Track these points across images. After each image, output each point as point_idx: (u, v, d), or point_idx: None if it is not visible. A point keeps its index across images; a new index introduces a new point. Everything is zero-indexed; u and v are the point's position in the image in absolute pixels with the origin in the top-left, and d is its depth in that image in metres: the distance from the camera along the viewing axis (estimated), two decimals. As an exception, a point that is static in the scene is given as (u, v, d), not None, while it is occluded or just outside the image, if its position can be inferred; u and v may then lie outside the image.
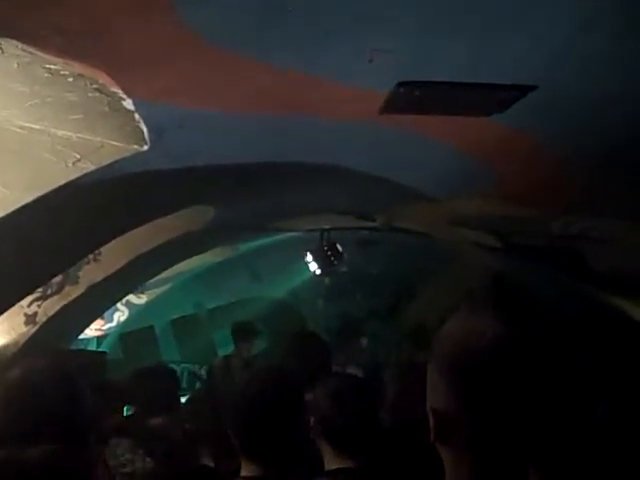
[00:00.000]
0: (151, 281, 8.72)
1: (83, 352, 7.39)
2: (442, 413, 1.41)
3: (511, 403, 1.37)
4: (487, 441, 1.38)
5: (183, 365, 9.04)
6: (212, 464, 3.44)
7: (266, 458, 2.44)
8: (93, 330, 8.98)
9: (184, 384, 8.13)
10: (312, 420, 2.75)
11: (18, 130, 3.58)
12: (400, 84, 3.17)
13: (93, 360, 6.73)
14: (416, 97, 3.31)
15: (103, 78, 2.83)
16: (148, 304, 9.70)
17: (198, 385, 8.69)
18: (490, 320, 1.44)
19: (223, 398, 3.99)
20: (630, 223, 5.18)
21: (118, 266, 6.47)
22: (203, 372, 8.88)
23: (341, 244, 8.64)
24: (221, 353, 9.92)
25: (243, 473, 2.45)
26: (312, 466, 2.74)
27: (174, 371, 4.80)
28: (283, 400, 2.50)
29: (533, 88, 3.23)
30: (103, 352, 8.37)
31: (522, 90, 3.26)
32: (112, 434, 3.65)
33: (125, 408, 5.38)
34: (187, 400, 4.56)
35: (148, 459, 3.17)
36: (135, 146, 3.65)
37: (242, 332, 7.84)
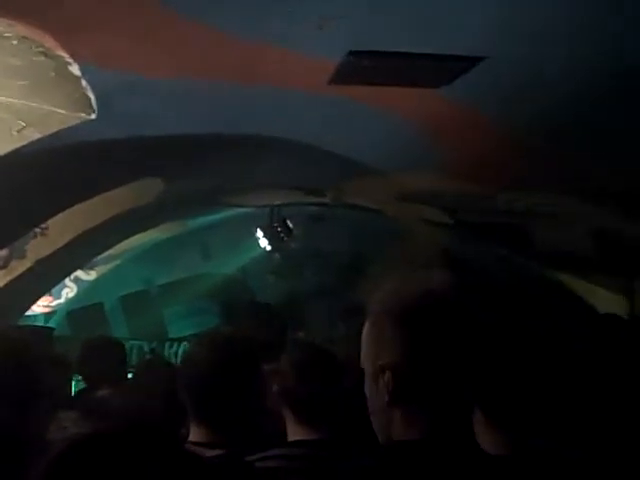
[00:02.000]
0: (100, 257, 8.62)
1: (29, 328, 7.26)
2: (397, 367, 1.44)
3: (458, 355, 1.42)
4: (437, 391, 1.43)
5: (132, 342, 8.96)
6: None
7: (215, 424, 2.43)
8: (41, 307, 8.86)
9: (133, 361, 8.06)
10: (275, 389, 2.74)
11: (-40, 96, 3.51)
12: (349, 53, 3.17)
13: (40, 336, 6.62)
14: (365, 67, 3.31)
15: (48, 41, 2.78)
16: (97, 280, 9.58)
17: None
18: (437, 278, 1.49)
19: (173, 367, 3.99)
20: (575, 199, 5.28)
21: (66, 240, 6.37)
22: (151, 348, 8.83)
23: (291, 220, 8.65)
24: (171, 330, 9.88)
25: (192, 438, 2.45)
26: (272, 436, 2.73)
27: (122, 344, 4.77)
28: (235, 366, 2.48)
29: (482, 59, 3.25)
30: (50, 328, 8.26)
31: (471, 61, 3.28)
32: (60, 407, 3.61)
33: (74, 382, 5.33)
34: (133, 372, 4.53)
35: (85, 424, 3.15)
36: (82, 114, 3.60)
37: None
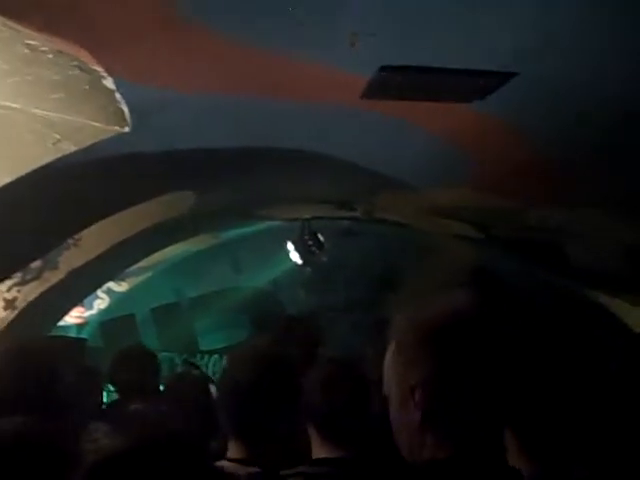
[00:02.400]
0: (132, 268, 8.67)
1: (62, 338, 7.33)
2: (428, 386, 1.43)
3: (487, 374, 1.41)
4: (467, 410, 1.41)
5: (163, 354, 9.00)
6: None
7: (253, 441, 2.42)
8: (73, 317, 8.92)
9: (163, 373, 8.08)
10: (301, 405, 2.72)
11: (-2, 109, 3.56)
12: (382, 69, 3.18)
13: (72, 346, 6.69)
14: (398, 82, 3.32)
15: (83, 55, 2.81)
16: (129, 292, 9.64)
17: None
18: (464, 297, 1.48)
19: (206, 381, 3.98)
20: (608, 215, 5.22)
21: (98, 252, 6.42)
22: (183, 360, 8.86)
23: (322, 234, 8.64)
24: (202, 342, 9.90)
25: (230, 455, 2.44)
26: (300, 454, 2.71)
27: (155, 355, 4.77)
28: (275, 384, 2.47)
29: (514, 75, 3.24)
30: (82, 339, 8.33)
31: (504, 77, 3.27)
32: (91, 418, 3.64)
33: (106, 393, 5.36)
34: (165, 384, 4.55)
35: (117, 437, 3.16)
36: (116, 127, 3.63)
37: None
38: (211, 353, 9.86)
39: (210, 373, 9.32)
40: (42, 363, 2.53)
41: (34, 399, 2.38)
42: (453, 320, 1.44)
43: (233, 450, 2.43)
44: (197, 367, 8.32)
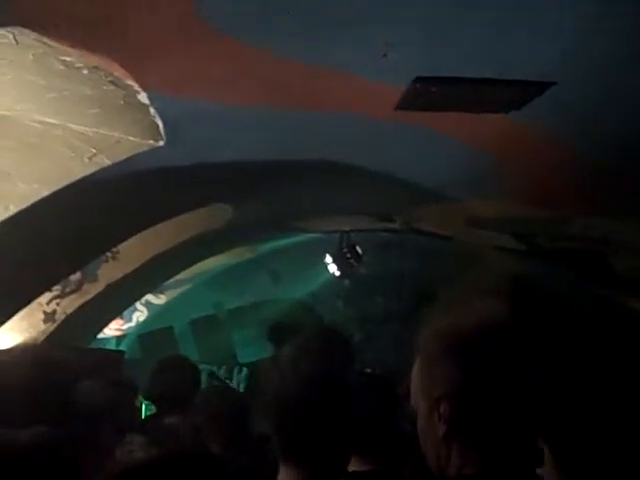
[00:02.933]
0: (170, 281, 8.73)
1: (100, 350, 7.39)
2: (453, 398, 1.40)
3: (516, 387, 1.37)
4: (493, 424, 1.38)
5: (202, 366, 9.02)
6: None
7: (305, 463, 2.37)
8: (112, 330, 9.00)
9: (203, 385, 8.10)
10: None
11: (36, 125, 3.60)
12: (417, 79, 3.15)
13: (110, 359, 6.72)
14: (433, 93, 3.28)
15: (117, 70, 2.83)
16: (167, 304, 9.70)
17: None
18: (493, 308, 1.45)
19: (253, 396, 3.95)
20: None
21: (137, 265, 6.48)
22: (221, 373, 8.88)
23: (360, 246, 8.61)
24: (240, 354, 9.91)
25: (281, 477, 2.38)
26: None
27: (196, 367, 4.73)
28: (331, 403, 2.43)
29: (552, 84, 3.19)
30: (121, 351, 8.39)
31: (540, 86, 3.22)
32: (127, 431, 3.64)
33: (145, 405, 5.37)
34: (198, 396, 4.52)
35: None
36: (151, 141, 3.66)
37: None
38: (250, 365, 9.86)
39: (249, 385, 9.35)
40: (65, 375, 2.54)
41: (56, 411, 2.39)
42: (478, 331, 1.41)
43: (284, 475, 2.38)
44: (219, 379, 8.33)
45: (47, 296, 5.98)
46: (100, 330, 7.84)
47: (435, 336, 1.47)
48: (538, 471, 1.54)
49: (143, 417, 5.17)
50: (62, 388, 2.45)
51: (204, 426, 3.52)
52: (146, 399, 4.84)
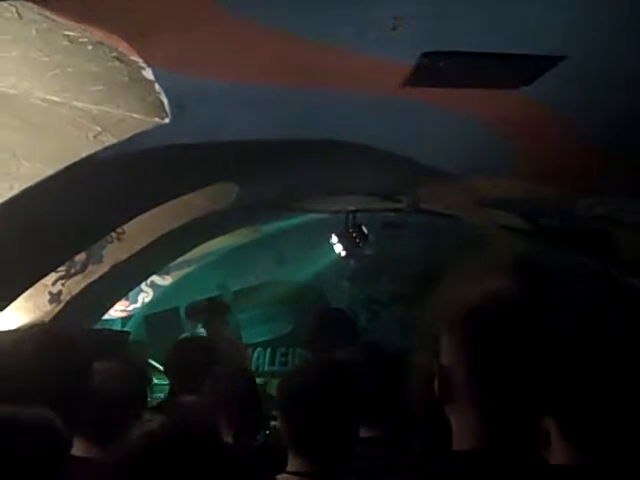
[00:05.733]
0: (175, 262, 8.71)
1: (105, 331, 7.38)
2: (450, 369, 1.39)
3: (520, 362, 1.35)
4: (496, 399, 1.36)
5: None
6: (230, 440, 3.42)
7: (316, 456, 2.37)
8: (118, 311, 9.00)
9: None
10: None
11: (40, 102, 3.57)
12: (424, 55, 3.10)
13: (115, 339, 6.71)
14: (441, 68, 3.24)
15: (122, 45, 2.79)
16: (173, 285, 9.69)
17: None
18: (506, 282, 1.42)
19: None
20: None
21: (142, 245, 6.46)
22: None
23: (366, 226, 8.58)
24: (245, 335, 9.92)
25: (290, 468, 2.39)
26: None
27: (214, 347, 4.70)
28: (343, 397, 2.44)
29: (562, 59, 3.14)
30: (126, 332, 8.38)
31: (551, 60, 3.17)
32: (145, 412, 3.62)
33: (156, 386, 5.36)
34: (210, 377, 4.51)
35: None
36: (156, 119, 3.62)
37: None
38: (255, 346, 9.86)
39: (254, 366, 9.35)
40: (76, 353, 2.51)
41: (75, 392, 2.37)
42: (481, 305, 1.39)
43: (293, 464, 2.38)
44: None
45: (52, 277, 5.96)
46: (106, 311, 7.83)
47: (442, 308, 1.45)
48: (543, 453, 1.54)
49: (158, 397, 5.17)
50: (79, 369, 2.42)
51: (217, 407, 3.50)
52: (163, 378, 4.83)
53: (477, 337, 1.38)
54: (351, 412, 2.42)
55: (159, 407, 4.06)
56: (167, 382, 4.64)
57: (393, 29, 2.76)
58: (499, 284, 1.43)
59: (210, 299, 7.96)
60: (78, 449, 2.37)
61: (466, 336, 1.39)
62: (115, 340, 6.59)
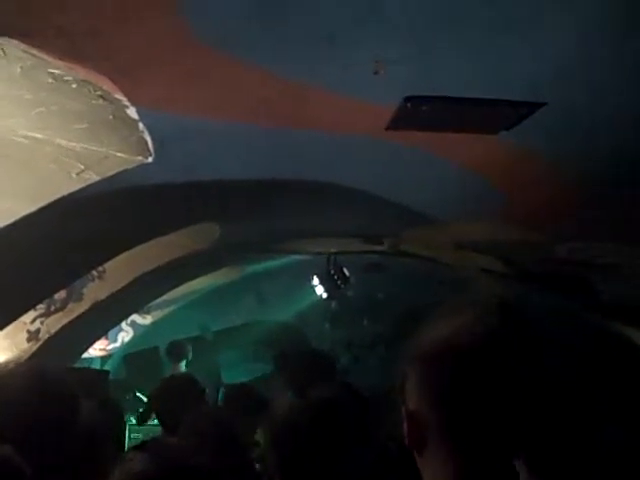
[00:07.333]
0: (156, 301, 8.68)
1: (85, 370, 7.32)
2: (417, 414, 1.37)
3: (487, 404, 1.33)
4: (466, 440, 1.34)
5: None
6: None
7: None
8: (97, 350, 8.93)
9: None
10: None
11: (23, 140, 3.56)
12: (407, 99, 3.14)
13: (95, 378, 6.65)
14: (424, 112, 3.27)
15: (106, 84, 2.81)
16: (153, 325, 9.65)
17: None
18: (476, 319, 1.41)
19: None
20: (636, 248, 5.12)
21: (123, 284, 6.43)
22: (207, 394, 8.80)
23: (348, 268, 8.60)
24: (225, 375, 9.86)
25: None
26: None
27: (202, 387, 4.68)
28: (335, 437, 2.43)
29: (542, 105, 3.19)
30: (106, 371, 8.31)
31: (531, 107, 3.22)
32: (129, 449, 3.58)
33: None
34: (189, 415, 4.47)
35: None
36: (139, 157, 3.63)
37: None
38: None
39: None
40: (65, 390, 2.49)
41: (59, 431, 2.35)
42: (447, 348, 1.37)
43: None
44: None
45: (31, 314, 5.92)
46: (85, 350, 7.76)
47: (413, 354, 1.44)
48: None
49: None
50: (64, 407, 2.40)
51: (199, 446, 3.46)
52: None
53: (442, 380, 1.36)
54: (333, 448, 2.41)
55: (142, 446, 4.01)
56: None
57: (375, 73, 2.80)
58: (468, 325, 1.41)
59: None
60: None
61: (431, 379, 1.38)
62: (95, 379, 6.53)
